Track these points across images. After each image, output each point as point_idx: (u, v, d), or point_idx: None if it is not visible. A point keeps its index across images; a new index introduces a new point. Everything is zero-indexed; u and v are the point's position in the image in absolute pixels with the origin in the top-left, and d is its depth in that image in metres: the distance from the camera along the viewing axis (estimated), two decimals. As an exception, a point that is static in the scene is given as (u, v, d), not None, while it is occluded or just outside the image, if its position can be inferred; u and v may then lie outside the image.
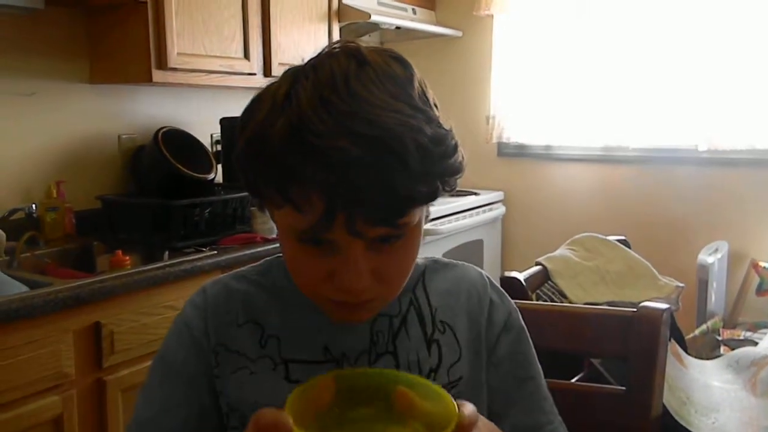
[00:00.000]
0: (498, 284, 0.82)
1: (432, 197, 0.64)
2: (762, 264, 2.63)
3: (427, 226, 2.66)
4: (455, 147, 0.65)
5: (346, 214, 0.60)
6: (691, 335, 2.20)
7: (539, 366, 0.81)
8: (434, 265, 0.81)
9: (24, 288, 1.66)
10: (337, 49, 0.66)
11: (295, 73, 0.65)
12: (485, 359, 0.77)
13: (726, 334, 2.25)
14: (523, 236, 3.24)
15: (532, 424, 0.77)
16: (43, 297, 1.54)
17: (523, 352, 0.79)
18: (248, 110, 0.66)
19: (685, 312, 2.42)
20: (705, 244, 2.60)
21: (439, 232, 2.70)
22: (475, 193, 3.11)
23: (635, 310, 0.92)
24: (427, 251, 0.87)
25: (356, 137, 0.58)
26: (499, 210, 3.19)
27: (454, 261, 0.82)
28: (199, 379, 0.74)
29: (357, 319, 0.71)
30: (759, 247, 2.70)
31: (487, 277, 0.81)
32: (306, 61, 0.66)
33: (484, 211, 3.07)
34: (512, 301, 0.82)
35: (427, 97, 0.66)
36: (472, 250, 2.99)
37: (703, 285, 2.46)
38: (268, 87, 0.66)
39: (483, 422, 0.63)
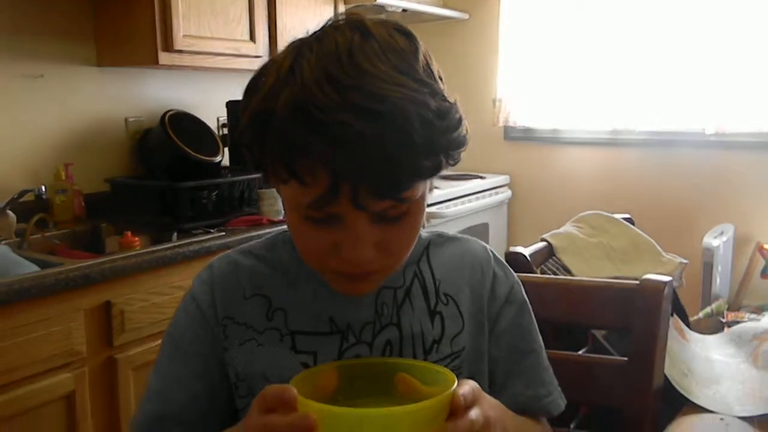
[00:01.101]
0: (502, 258, 0.83)
1: (436, 171, 0.64)
2: (767, 247, 2.62)
3: (433, 209, 2.66)
4: (459, 120, 0.65)
5: (351, 188, 0.60)
6: (696, 317, 2.21)
7: (540, 338, 0.82)
8: (438, 238, 0.82)
9: (35, 268, 1.68)
10: (341, 22, 0.66)
11: (299, 46, 0.65)
12: (487, 331, 0.78)
13: (730, 316, 2.26)
14: (529, 220, 3.24)
15: (532, 395, 0.78)
16: (54, 276, 1.56)
17: (524, 324, 0.80)
18: (253, 83, 0.66)
19: (690, 294, 2.42)
20: (711, 227, 2.60)
21: (444, 216, 2.71)
22: (481, 177, 3.11)
23: (638, 282, 0.93)
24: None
25: (360, 111, 0.58)
26: (505, 193, 3.19)
27: (458, 235, 0.83)
28: (207, 352, 0.75)
29: (361, 292, 0.72)
30: (765, 230, 2.70)
31: (491, 251, 0.82)
32: (310, 33, 0.66)
33: (490, 195, 3.07)
34: (515, 275, 0.82)
35: (431, 70, 0.66)
36: (478, 233, 3.00)
37: (708, 268, 2.46)
38: (273, 59, 0.66)
39: (489, 403, 0.64)
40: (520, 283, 0.82)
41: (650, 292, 0.91)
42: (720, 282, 2.56)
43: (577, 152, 3.10)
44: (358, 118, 0.58)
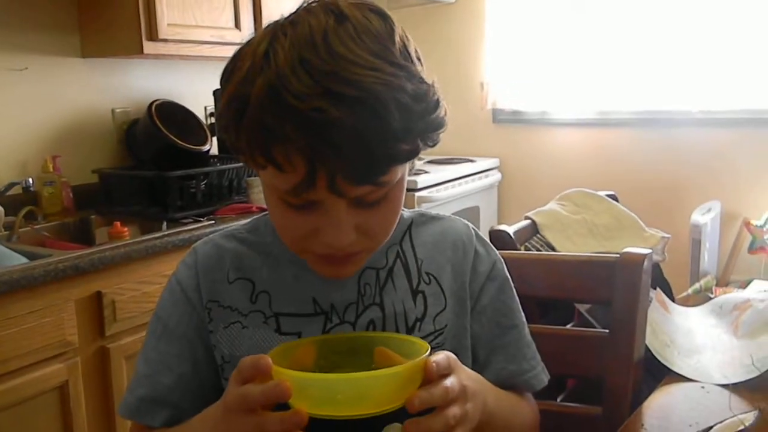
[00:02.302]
0: (484, 236, 0.84)
1: (413, 154, 0.64)
2: (754, 223, 2.65)
3: (423, 193, 2.66)
4: (437, 102, 0.65)
5: (328, 174, 0.60)
6: (684, 294, 2.23)
7: (522, 315, 0.83)
8: (421, 218, 0.82)
9: (24, 260, 1.68)
10: (314, 4, 0.65)
11: (273, 30, 0.64)
12: (470, 308, 0.79)
13: (718, 292, 2.28)
14: (519, 202, 3.25)
15: (515, 370, 0.79)
16: (44, 267, 1.56)
17: (506, 301, 0.81)
18: (229, 67, 0.66)
19: (678, 271, 2.45)
20: (698, 204, 2.62)
21: (435, 199, 2.72)
22: (471, 160, 3.12)
23: (618, 256, 0.94)
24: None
25: (336, 98, 0.58)
26: (495, 176, 3.20)
27: (441, 214, 0.84)
28: (193, 335, 0.76)
29: (343, 275, 0.72)
30: (751, 206, 2.72)
31: (473, 229, 0.83)
32: (285, 16, 0.65)
33: (480, 178, 3.08)
34: (498, 252, 0.83)
35: (408, 52, 0.65)
36: (469, 216, 3.01)
37: (696, 244, 2.48)
38: (249, 42, 0.66)
39: (466, 373, 0.65)
40: (502, 260, 0.83)
41: (630, 265, 0.93)
42: (708, 258, 2.58)
43: (565, 134, 3.11)
44: (334, 105, 0.58)
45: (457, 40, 3.25)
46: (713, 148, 2.79)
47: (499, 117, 3.25)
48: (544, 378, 0.82)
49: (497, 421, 0.72)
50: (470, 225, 0.83)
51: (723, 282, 2.66)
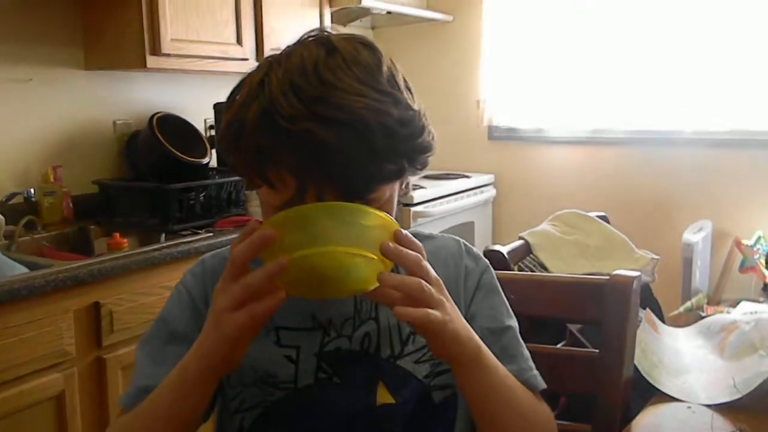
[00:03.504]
0: (474, 249, 0.87)
1: (398, 175, 0.69)
2: (745, 242, 2.68)
3: (419, 208, 2.69)
4: (423, 127, 0.71)
5: (317, 192, 0.65)
6: (676, 312, 2.26)
7: (514, 319, 0.85)
8: (415, 236, 0.85)
9: (24, 270, 1.70)
10: (308, 38, 0.71)
11: (270, 62, 0.70)
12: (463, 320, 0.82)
13: (710, 310, 2.31)
14: (513, 218, 3.29)
15: (515, 369, 0.80)
16: (44, 277, 1.58)
17: (495, 306, 0.84)
18: (229, 96, 0.72)
19: (670, 289, 2.48)
20: (690, 223, 2.65)
21: (430, 215, 2.75)
22: (466, 176, 3.15)
23: (608, 278, 0.97)
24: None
25: (324, 121, 0.63)
26: (490, 192, 3.24)
27: (433, 233, 0.88)
28: (197, 337, 0.79)
29: None
30: (742, 225, 2.76)
31: (464, 244, 0.87)
32: (282, 49, 0.71)
33: (475, 194, 3.12)
34: (486, 261, 0.87)
35: (396, 81, 0.70)
36: (464, 231, 3.04)
37: (687, 263, 2.52)
38: (248, 74, 0.72)
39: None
40: (490, 268, 0.86)
41: (619, 286, 0.96)
42: (699, 277, 2.62)
43: (559, 151, 3.15)
44: (322, 127, 0.63)
45: (455, 58, 3.30)
46: (704, 168, 2.84)
47: (494, 134, 3.29)
48: (542, 380, 0.82)
49: (496, 381, 0.73)
50: (460, 240, 0.87)
51: (714, 301, 2.68)
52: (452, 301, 0.68)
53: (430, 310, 0.63)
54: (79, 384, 1.66)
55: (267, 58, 0.72)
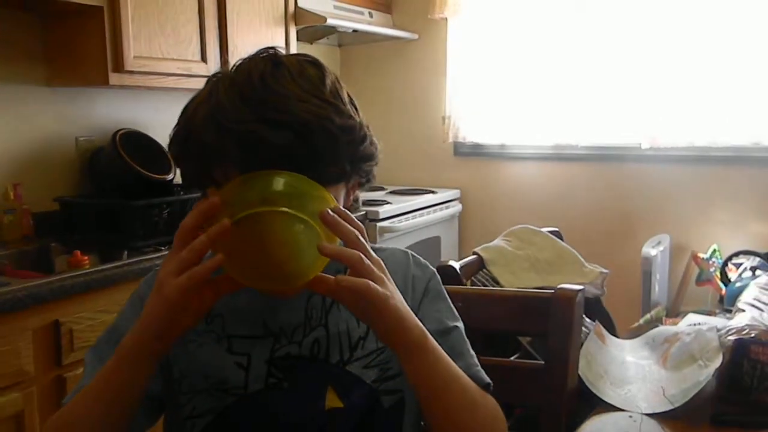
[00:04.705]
0: (421, 259, 0.90)
1: (340, 179, 0.73)
2: (701, 255, 2.76)
3: (385, 223, 2.71)
4: (364, 136, 0.75)
5: None
6: (636, 324, 2.32)
7: (459, 320, 0.87)
8: None
9: (-19, 289, 1.68)
10: (257, 55, 0.75)
11: (219, 76, 0.75)
12: None
13: (668, 322, 2.37)
14: (479, 232, 3.33)
15: (462, 365, 0.81)
16: (1, 296, 1.56)
17: (441, 309, 0.86)
18: (183, 111, 0.77)
19: (630, 302, 2.55)
20: (648, 237, 2.73)
21: (397, 230, 2.78)
22: (432, 191, 3.20)
23: (553, 291, 1.01)
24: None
25: (268, 123, 0.67)
26: (456, 207, 3.28)
27: (383, 246, 0.91)
28: None
29: (283, 293, 0.78)
30: (698, 239, 2.84)
31: (411, 255, 0.90)
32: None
33: (441, 209, 3.16)
34: (433, 269, 0.90)
35: (339, 94, 0.74)
36: (430, 246, 3.08)
37: (647, 276, 2.59)
38: (199, 90, 0.76)
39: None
40: (437, 275, 0.89)
41: (563, 300, 0.99)
42: (659, 289, 2.69)
43: (523, 167, 3.22)
44: (266, 128, 0.67)
45: (420, 76, 3.36)
46: (662, 183, 2.92)
47: (460, 150, 3.35)
48: (486, 376, 0.84)
49: (445, 372, 0.74)
50: (408, 252, 0.90)
51: (673, 312, 2.75)
52: (393, 283, 0.70)
53: (370, 282, 0.65)
54: (39, 403, 1.65)
55: (216, 73, 0.76)
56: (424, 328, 0.73)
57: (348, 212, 0.68)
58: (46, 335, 1.66)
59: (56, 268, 2.06)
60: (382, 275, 0.68)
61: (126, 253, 2.02)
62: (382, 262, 0.69)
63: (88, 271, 1.80)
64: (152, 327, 0.67)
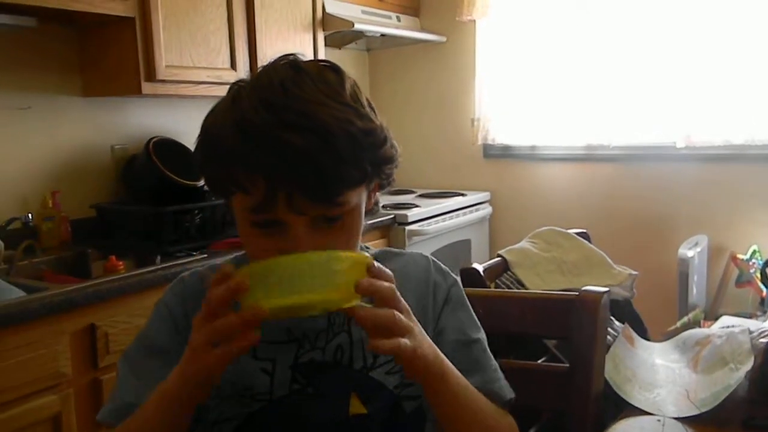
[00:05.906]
0: (441, 265, 0.90)
1: (362, 181, 0.74)
2: (740, 256, 2.69)
3: (415, 227, 2.73)
4: (385, 139, 0.76)
5: (286, 193, 0.69)
6: (673, 327, 2.27)
7: (482, 331, 0.88)
8: (385, 254, 0.90)
9: (21, 293, 1.73)
10: (276, 62, 0.76)
11: (240, 85, 0.76)
12: (432, 333, 0.84)
13: (706, 325, 2.31)
14: (509, 235, 3.29)
15: (483, 380, 0.83)
16: (39, 301, 1.62)
17: (462, 319, 0.87)
18: (205, 118, 0.78)
19: (667, 304, 2.49)
20: (685, 239, 2.67)
21: (425, 233, 2.78)
22: (462, 194, 3.18)
23: (577, 294, 1.00)
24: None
25: (290, 127, 0.69)
26: (486, 210, 3.26)
27: (402, 250, 0.92)
28: (178, 350, 0.81)
29: None
30: (737, 240, 2.77)
31: (432, 261, 0.90)
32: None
33: (471, 212, 3.14)
34: (454, 276, 0.90)
35: (359, 98, 0.76)
36: (460, 249, 3.06)
37: (684, 278, 2.53)
38: (220, 99, 0.77)
39: (422, 332, 0.71)
40: (458, 282, 0.89)
41: (588, 302, 0.98)
42: (696, 292, 2.62)
43: (554, 168, 3.18)
44: (288, 133, 0.68)
45: (449, 78, 3.35)
46: (698, 183, 2.85)
47: (489, 152, 3.32)
48: (509, 390, 0.85)
49: (462, 398, 0.76)
50: (429, 257, 0.91)
51: (712, 315, 2.69)
52: (420, 326, 0.71)
53: (401, 339, 0.67)
54: (76, 405, 1.69)
55: (237, 81, 0.77)
56: (443, 360, 0.74)
57: (378, 266, 0.68)
58: (82, 338, 1.71)
59: (93, 273, 2.11)
60: (411, 324, 0.69)
61: (159, 257, 2.07)
62: (409, 309, 0.70)
63: (122, 275, 1.85)
64: (190, 385, 0.69)
